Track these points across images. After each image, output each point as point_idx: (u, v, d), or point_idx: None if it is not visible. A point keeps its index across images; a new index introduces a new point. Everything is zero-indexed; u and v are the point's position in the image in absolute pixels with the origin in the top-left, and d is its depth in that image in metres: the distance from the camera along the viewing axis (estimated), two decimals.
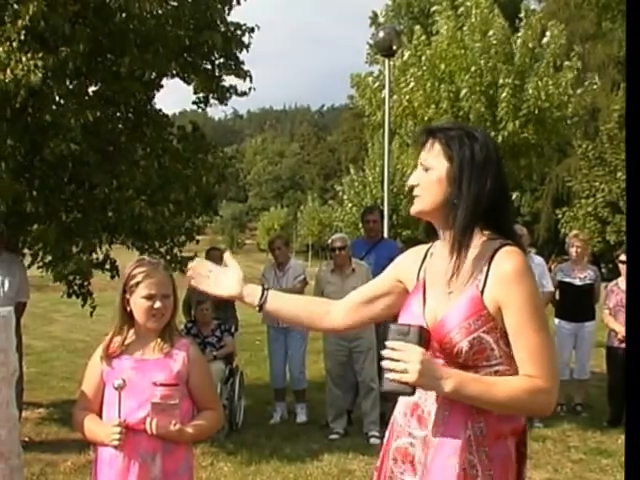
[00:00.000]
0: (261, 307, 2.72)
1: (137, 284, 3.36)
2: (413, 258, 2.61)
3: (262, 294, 2.73)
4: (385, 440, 2.56)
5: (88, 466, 6.53)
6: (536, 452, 6.93)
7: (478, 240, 2.40)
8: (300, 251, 66.44)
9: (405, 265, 2.64)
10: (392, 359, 2.23)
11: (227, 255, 2.87)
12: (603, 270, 37.13)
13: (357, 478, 6.50)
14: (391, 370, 2.22)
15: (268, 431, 8.02)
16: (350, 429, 7.98)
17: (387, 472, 2.46)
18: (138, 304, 3.36)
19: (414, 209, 2.46)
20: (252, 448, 7.27)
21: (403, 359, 2.21)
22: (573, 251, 8.79)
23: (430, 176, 2.41)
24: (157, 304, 3.34)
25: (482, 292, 2.32)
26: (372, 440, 7.55)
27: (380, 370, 7.20)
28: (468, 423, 2.31)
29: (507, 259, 2.33)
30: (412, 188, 2.45)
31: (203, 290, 2.81)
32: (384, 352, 2.26)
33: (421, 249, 2.61)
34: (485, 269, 2.34)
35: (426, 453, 2.34)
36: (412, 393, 2.25)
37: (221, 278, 2.77)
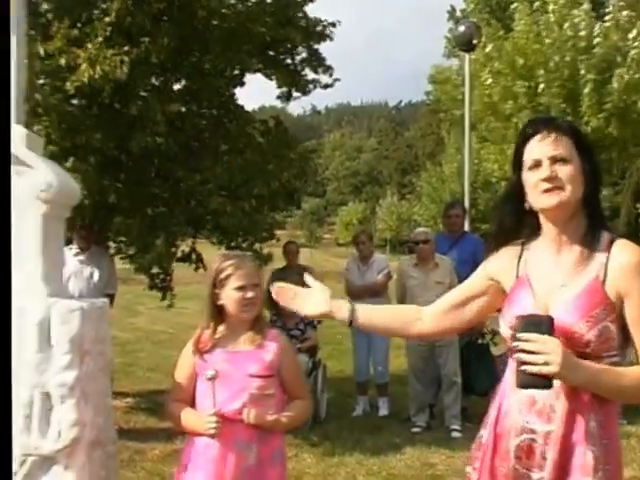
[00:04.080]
0: (351, 322, 2.71)
1: (227, 277, 3.41)
2: (507, 255, 2.55)
3: (351, 309, 2.71)
4: (489, 438, 2.49)
5: (174, 455, 6.64)
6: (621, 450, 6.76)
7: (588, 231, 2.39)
8: (378, 246, 66.21)
9: (499, 263, 2.57)
10: (528, 352, 2.18)
11: (308, 277, 2.85)
12: None
13: (439, 471, 6.46)
14: (528, 363, 2.17)
15: (350, 424, 8.04)
16: (432, 423, 7.94)
17: (510, 471, 2.39)
18: (230, 296, 3.41)
19: (557, 200, 2.34)
20: (335, 440, 7.29)
21: (542, 351, 2.16)
22: None
23: (570, 169, 2.35)
24: (249, 294, 3.39)
25: (603, 282, 2.30)
26: (454, 434, 7.51)
27: (466, 364, 7.09)
28: (591, 415, 2.29)
29: (627, 251, 2.33)
30: (550, 179, 2.35)
31: (293, 309, 2.83)
32: (516, 344, 2.21)
33: (513, 246, 2.55)
34: (604, 260, 2.33)
35: (553, 448, 2.29)
36: (550, 386, 2.20)
37: (308, 298, 2.78)
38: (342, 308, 2.72)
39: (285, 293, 2.81)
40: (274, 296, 2.82)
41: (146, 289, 8.95)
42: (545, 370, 2.16)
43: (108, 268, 7.81)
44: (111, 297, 7.92)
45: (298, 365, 3.74)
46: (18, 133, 3.55)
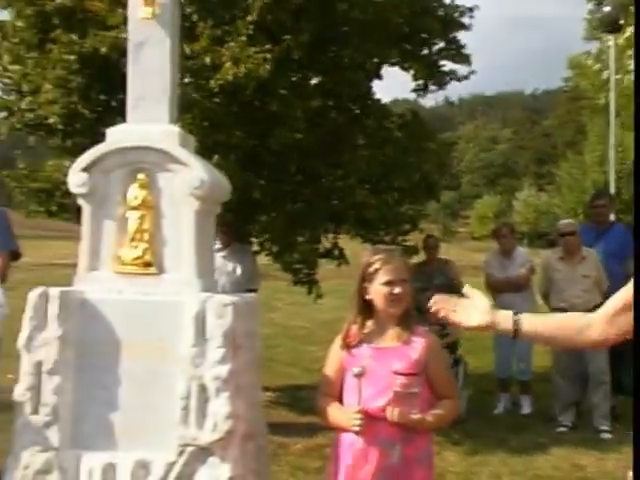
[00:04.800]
0: (516, 332, 2.61)
1: (376, 271, 3.40)
2: None
3: (515, 319, 2.62)
4: None
5: (317, 449, 6.70)
6: None
7: None
8: (516, 239, 64.54)
9: None
10: None
11: (467, 287, 2.80)
12: None
13: (590, 474, 6.24)
14: None
15: (492, 422, 7.89)
16: (578, 422, 7.67)
17: None
18: (378, 291, 3.40)
19: None
20: (477, 439, 7.17)
21: None
22: None
23: None
24: (396, 289, 3.38)
25: None
26: (603, 435, 7.25)
27: (614, 360, 6.79)
28: None
29: None
30: None
31: (455, 322, 2.78)
32: None
33: None
34: None
35: None
36: None
37: (469, 309, 2.73)
38: (505, 318, 2.63)
39: (446, 305, 2.76)
40: (434, 309, 2.77)
41: (289, 284, 9.08)
42: None
43: (250, 264, 7.95)
44: (253, 292, 8.08)
45: (446, 363, 3.69)
46: (172, 132, 3.66)
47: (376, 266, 3.41)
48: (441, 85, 9.07)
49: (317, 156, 7.93)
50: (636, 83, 2.30)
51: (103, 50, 7.28)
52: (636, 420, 2.15)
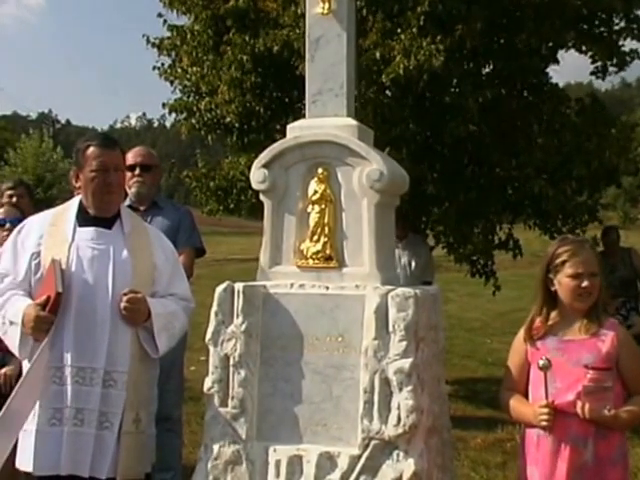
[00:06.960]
0: None
1: (562, 263, 3.30)
2: None
3: None
4: None
5: (497, 444, 6.57)
6: None
7: None
8: None
9: None
10: None
11: None
12: None
13: None
14: None
15: None
16: None
17: None
18: (564, 283, 3.30)
19: None
20: None
21: None
22: None
23: None
24: (584, 283, 3.27)
25: None
26: None
27: None
28: None
29: None
30: None
31: None
32: None
33: None
34: None
35: None
36: None
37: None
38: None
39: None
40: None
41: (464, 276, 9.00)
42: None
43: (425, 256, 7.91)
44: (427, 285, 8.03)
45: (639, 356, 3.50)
46: (350, 126, 3.66)
47: (563, 258, 3.31)
48: (622, 66, 8.68)
49: (491, 145, 7.79)
50: None
51: (276, 49, 7.45)
52: None
